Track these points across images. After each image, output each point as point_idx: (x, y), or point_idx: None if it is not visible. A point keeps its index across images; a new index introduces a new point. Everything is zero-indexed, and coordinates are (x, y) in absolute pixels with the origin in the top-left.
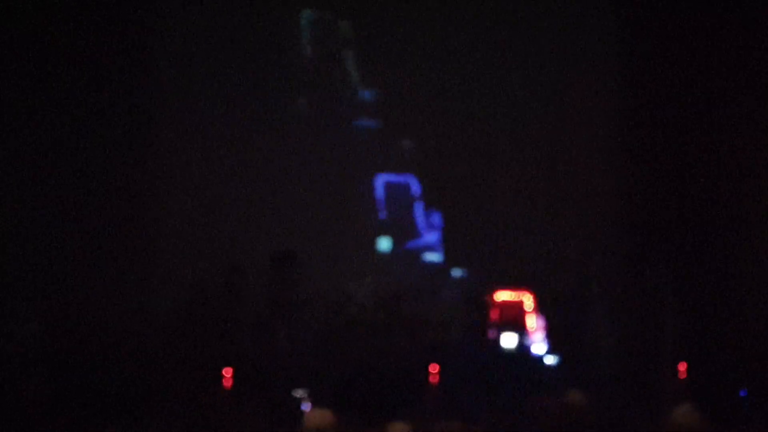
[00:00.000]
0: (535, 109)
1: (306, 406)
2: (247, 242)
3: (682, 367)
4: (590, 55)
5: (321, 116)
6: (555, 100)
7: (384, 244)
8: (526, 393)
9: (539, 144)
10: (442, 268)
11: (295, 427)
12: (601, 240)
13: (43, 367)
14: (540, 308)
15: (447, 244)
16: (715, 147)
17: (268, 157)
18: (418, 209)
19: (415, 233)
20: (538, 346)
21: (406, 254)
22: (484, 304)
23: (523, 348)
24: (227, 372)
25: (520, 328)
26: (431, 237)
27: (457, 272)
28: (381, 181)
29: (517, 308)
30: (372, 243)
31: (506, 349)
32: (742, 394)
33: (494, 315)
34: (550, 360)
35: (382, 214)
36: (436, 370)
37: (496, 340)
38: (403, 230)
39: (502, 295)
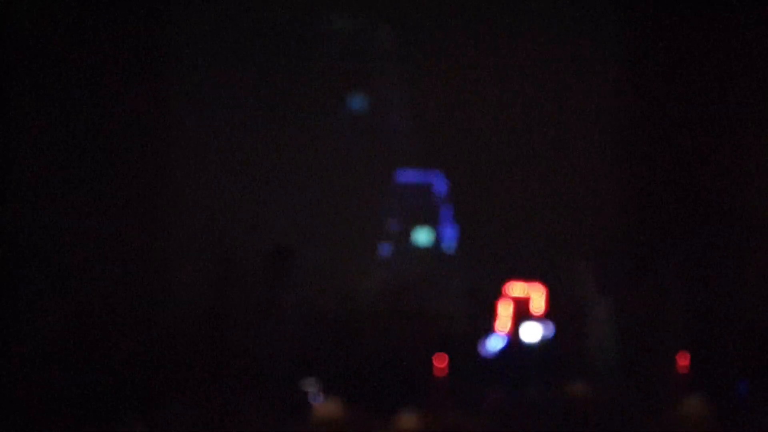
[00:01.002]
0: (549, 108)
1: (316, 398)
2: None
3: (685, 359)
4: (605, 56)
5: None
6: (566, 100)
7: (422, 237)
8: (535, 384)
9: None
10: (454, 261)
11: (305, 418)
12: (608, 237)
13: (61, 361)
14: (550, 301)
15: (460, 237)
16: (719, 138)
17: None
18: (435, 205)
19: (433, 227)
20: (550, 336)
21: (418, 247)
22: (497, 296)
23: (539, 339)
24: (243, 364)
25: (535, 320)
26: (445, 230)
27: (469, 265)
28: (399, 176)
29: (530, 301)
30: (380, 238)
31: (525, 341)
32: (742, 386)
33: (509, 307)
34: (559, 351)
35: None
36: (445, 363)
37: (514, 333)
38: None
39: (515, 288)
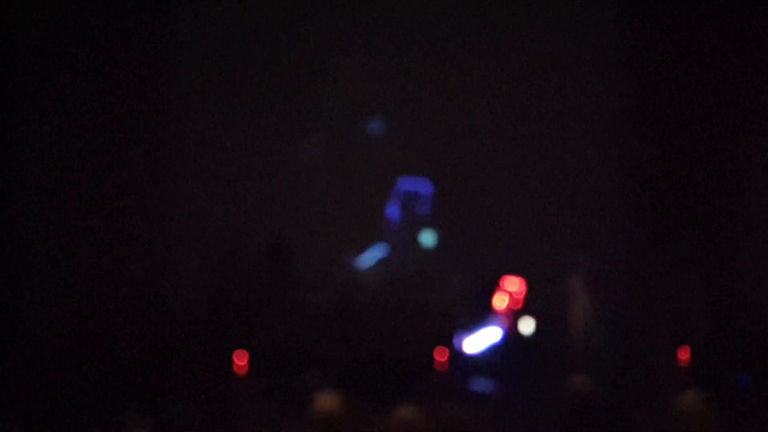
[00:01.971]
0: (542, 103)
1: (316, 392)
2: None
3: (686, 353)
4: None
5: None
6: (559, 96)
7: (428, 239)
8: (535, 378)
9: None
10: (450, 255)
11: (304, 411)
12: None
13: (63, 359)
14: (548, 295)
15: (459, 234)
16: (719, 136)
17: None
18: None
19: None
20: (549, 330)
21: (415, 241)
22: (494, 290)
23: (537, 333)
24: (240, 358)
25: (533, 314)
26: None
27: (466, 259)
28: (400, 176)
29: (528, 295)
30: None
31: (524, 335)
32: (742, 379)
33: (506, 301)
34: (558, 345)
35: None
36: (446, 356)
37: (513, 327)
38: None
39: (512, 282)
